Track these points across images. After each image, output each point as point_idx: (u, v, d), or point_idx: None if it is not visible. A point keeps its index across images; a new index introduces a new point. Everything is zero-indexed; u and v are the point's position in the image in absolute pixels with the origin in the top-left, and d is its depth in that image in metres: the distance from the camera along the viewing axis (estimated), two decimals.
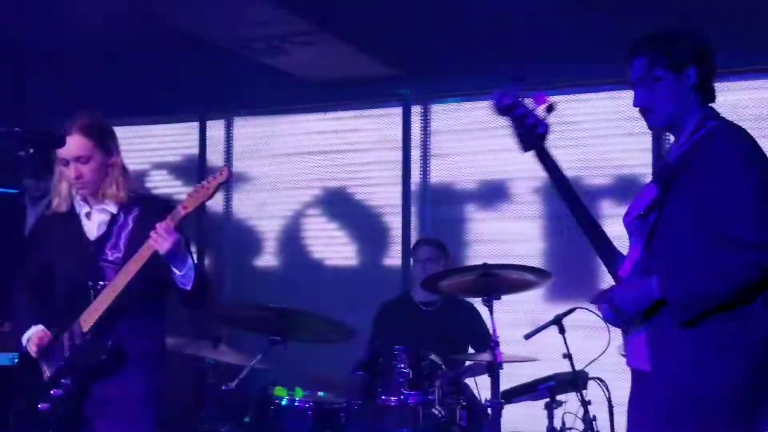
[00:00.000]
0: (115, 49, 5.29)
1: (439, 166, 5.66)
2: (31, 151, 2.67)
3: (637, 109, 2.44)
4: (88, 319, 2.85)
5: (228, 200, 6.23)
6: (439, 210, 5.65)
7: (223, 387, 4.33)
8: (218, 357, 4.46)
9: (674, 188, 2.29)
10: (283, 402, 4.16)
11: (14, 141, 2.66)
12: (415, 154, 5.69)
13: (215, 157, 6.28)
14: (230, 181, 2.90)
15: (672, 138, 2.49)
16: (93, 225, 3.00)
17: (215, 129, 6.29)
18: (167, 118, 6.18)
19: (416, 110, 5.72)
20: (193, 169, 6.21)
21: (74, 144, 2.89)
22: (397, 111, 5.73)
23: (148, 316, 2.98)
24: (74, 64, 5.47)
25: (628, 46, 2.44)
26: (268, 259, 6.11)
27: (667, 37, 2.40)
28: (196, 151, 6.30)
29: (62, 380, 2.85)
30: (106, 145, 2.97)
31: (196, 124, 6.31)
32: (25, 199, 4.83)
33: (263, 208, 6.13)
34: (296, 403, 4.15)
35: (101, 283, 2.84)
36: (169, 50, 5.35)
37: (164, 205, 2.98)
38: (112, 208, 3.00)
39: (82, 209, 3.02)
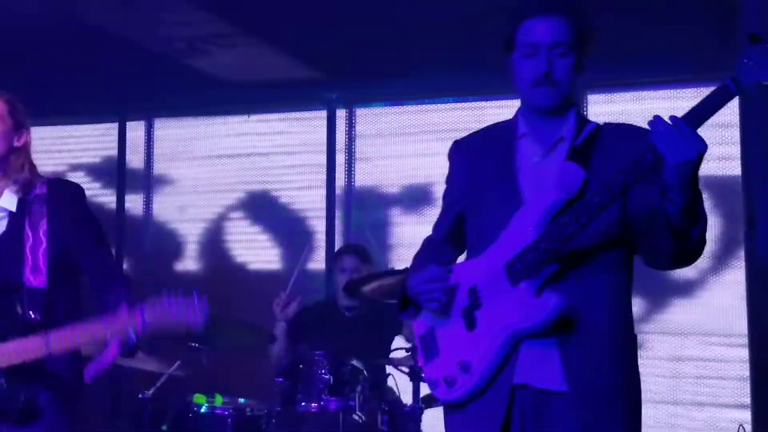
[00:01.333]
0: (34, 48, 5.13)
1: (363, 170, 5.66)
2: None
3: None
4: (6, 355, 2.56)
5: (148, 203, 6.11)
6: (363, 214, 5.65)
7: (140, 395, 4.25)
8: (135, 364, 4.35)
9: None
10: (203, 409, 4.09)
11: None
12: (340, 157, 5.67)
13: (135, 158, 6.16)
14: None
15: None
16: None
17: (135, 130, 6.16)
18: (86, 118, 6.04)
19: (341, 114, 5.71)
20: (112, 171, 6.08)
21: None
22: (322, 114, 5.71)
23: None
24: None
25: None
26: (189, 263, 6.01)
27: None
28: (115, 152, 6.17)
29: None
30: (19, 119, 2.78)
31: (115, 125, 6.17)
32: None
33: (184, 211, 6.03)
34: (216, 411, 4.09)
35: (30, 314, 2.59)
36: (88, 50, 5.21)
37: (72, 186, 2.84)
38: (11, 200, 2.74)
39: None
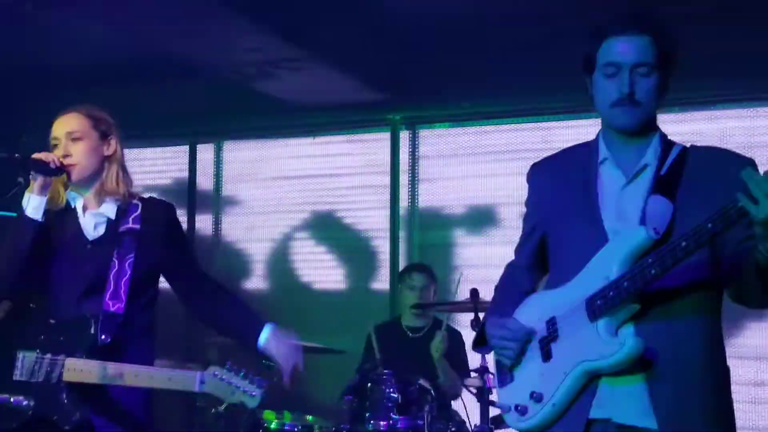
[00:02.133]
0: (109, 73, 5.32)
1: (427, 191, 5.72)
2: (30, 177, 2.68)
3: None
4: (72, 371, 2.64)
5: (217, 223, 6.26)
6: (427, 234, 5.70)
7: (213, 411, 4.35)
8: None
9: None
10: (273, 425, 4.17)
11: (14, 167, 2.66)
12: (404, 178, 5.74)
13: (205, 180, 6.31)
14: None
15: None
16: (90, 223, 2.79)
17: (205, 152, 6.32)
18: (159, 141, 6.20)
19: (404, 135, 5.78)
20: (184, 193, 6.23)
21: (68, 119, 2.77)
22: (386, 136, 5.79)
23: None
24: (69, 88, 5.49)
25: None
26: (256, 282, 6.13)
27: None
28: (186, 174, 6.33)
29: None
30: (103, 130, 2.80)
31: (186, 148, 6.34)
32: None
33: (252, 231, 6.16)
34: (285, 427, 4.16)
35: (102, 337, 2.67)
36: (161, 74, 5.39)
37: (164, 206, 2.92)
38: (110, 207, 2.80)
39: (78, 204, 2.81)
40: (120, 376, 2.63)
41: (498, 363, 2.37)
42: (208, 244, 6.21)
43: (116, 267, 2.73)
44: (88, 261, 2.75)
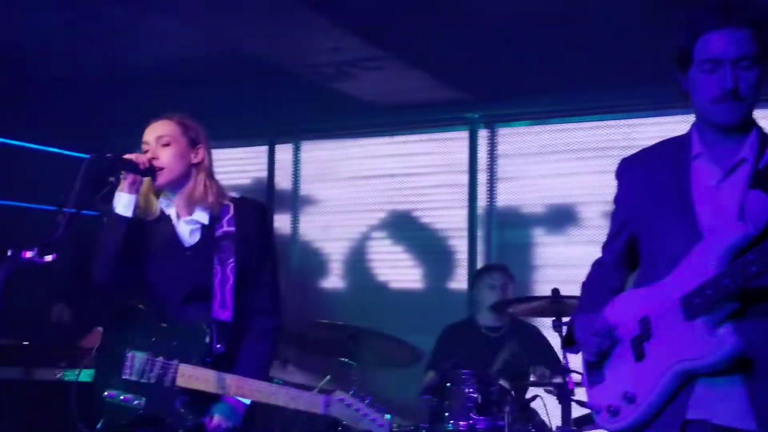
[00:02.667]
0: (190, 75, 5.43)
1: (505, 190, 5.66)
2: (121, 177, 2.74)
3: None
4: (187, 377, 2.69)
5: (295, 222, 6.31)
6: (505, 234, 5.64)
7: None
8: (286, 377, 4.49)
9: None
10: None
11: (106, 167, 2.72)
12: (482, 177, 5.69)
13: (283, 180, 6.37)
14: None
15: None
16: (186, 230, 2.84)
17: (284, 152, 6.39)
18: (238, 142, 6.26)
19: (483, 134, 5.73)
20: (262, 192, 6.30)
21: (159, 125, 2.84)
22: (464, 134, 5.75)
23: None
24: (152, 90, 5.62)
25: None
26: (333, 281, 6.16)
27: None
28: (265, 174, 6.41)
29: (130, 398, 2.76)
30: (192, 137, 2.85)
31: (265, 148, 6.42)
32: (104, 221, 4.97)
33: (329, 230, 6.19)
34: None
35: (217, 346, 2.71)
36: (241, 75, 5.47)
37: (256, 206, 2.94)
38: (203, 214, 2.84)
39: (171, 212, 2.86)
40: (239, 389, 2.65)
41: (587, 363, 2.31)
42: (285, 243, 6.26)
43: (219, 274, 2.76)
44: (187, 267, 2.80)
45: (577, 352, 2.38)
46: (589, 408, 2.35)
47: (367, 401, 2.61)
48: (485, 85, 5.39)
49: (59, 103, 5.71)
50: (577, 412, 3.91)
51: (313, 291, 6.16)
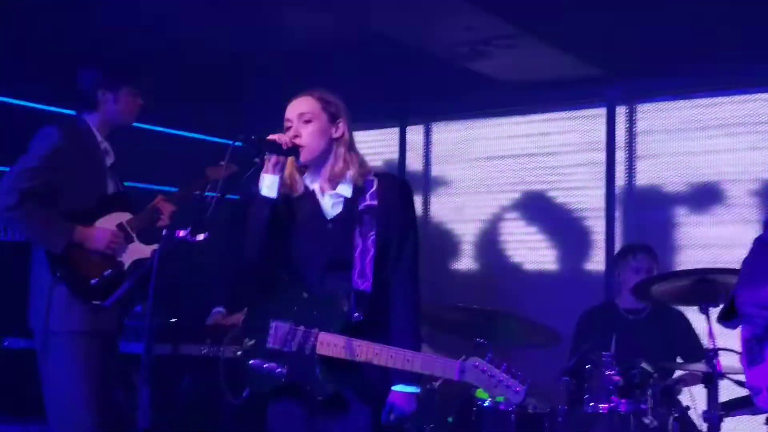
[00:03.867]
0: (321, 56, 5.49)
1: (645, 168, 5.46)
2: (265, 158, 2.81)
3: None
4: (326, 345, 2.74)
5: (426, 204, 6.32)
6: (644, 214, 5.44)
7: (427, 386, 4.40)
8: None
9: None
10: (486, 404, 4.16)
11: (251, 149, 2.80)
12: (620, 155, 5.51)
13: (414, 162, 6.38)
14: None
15: None
16: (328, 203, 2.89)
17: (415, 134, 6.40)
18: (370, 124, 6.31)
19: (621, 110, 5.55)
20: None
21: (300, 102, 2.88)
22: (602, 112, 5.58)
23: None
24: (285, 75, 5.73)
25: None
26: (466, 262, 6.13)
27: None
28: (396, 156, 6.44)
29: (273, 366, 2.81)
30: (333, 113, 2.87)
31: (396, 130, 6.44)
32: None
33: (461, 211, 6.17)
34: (500, 407, 4.14)
35: (356, 315, 2.75)
36: (371, 57, 5.50)
37: (401, 182, 2.97)
38: (346, 187, 2.88)
39: (315, 187, 2.91)
40: (376, 356, 2.68)
41: (747, 341, 2.22)
42: (417, 225, 6.26)
43: (360, 246, 2.80)
44: (329, 239, 2.85)
45: (735, 327, 2.28)
46: (749, 389, 2.26)
47: (503, 368, 2.59)
48: (624, 59, 5.20)
49: (196, 91, 5.92)
50: (725, 396, 3.77)
51: (446, 272, 6.15)
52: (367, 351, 2.69)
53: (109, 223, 3.64)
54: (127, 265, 3.66)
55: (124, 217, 3.68)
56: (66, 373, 3.53)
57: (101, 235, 3.58)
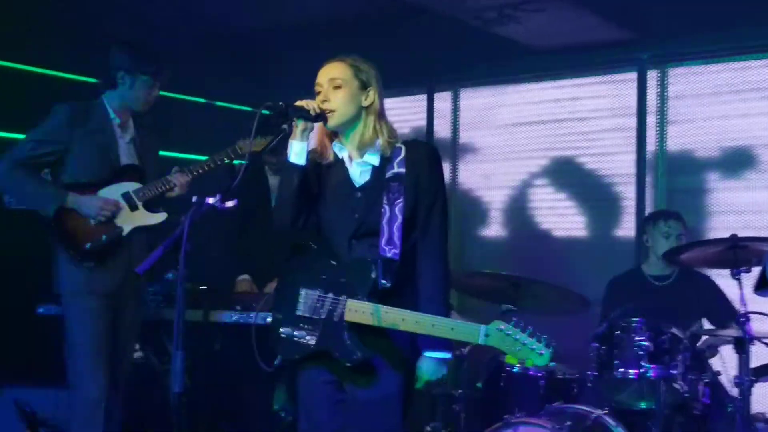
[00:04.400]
0: (348, 24, 5.46)
1: (677, 133, 5.37)
2: (293, 124, 2.81)
3: None
4: (354, 311, 2.76)
5: (454, 171, 6.29)
6: (675, 179, 5.38)
7: (456, 353, 4.41)
8: None
9: None
10: (515, 370, 4.17)
11: (279, 115, 2.80)
12: (651, 120, 5.43)
13: (442, 129, 6.35)
14: None
15: None
16: (357, 171, 2.89)
17: (442, 101, 6.35)
18: (397, 91, 6.27)
19: (652, 75, 5.46)
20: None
21: (332, 67, 2.86)
22: (632, 76, 5.49)
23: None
24: (309, 41, 5.70)
25: None
26: (495, 229, 6.12)
27: None
28: (423, 123, 6.40)
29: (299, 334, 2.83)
30: (363, 79, 2.85)
31: (424, 97, 6.40)
32: (265, 170, 5.15)
33: (489, 178, 6.14)
34: (529, 372, 4.15)
35: (383, 282, 2.75)
36: (399, 23, 5.45)
37: (429, 148, 2.96)
38: (374, 156, 2.88)
39: (344, 155, 2.91)
40: (401, 321, 2.70)
41: None
42: (446, 191, 6.24)
43: (387, 213, 2.80)
44: (357, 207, 2.86)
45: None
46: None
47: (528, 331, 2.59)
48: (655, 22, 5.12)
49: (224, 57, 5.91)
50: (756, 361, 3.74)
51: (474, 239, 6.15)
52: (394, 317, 2.70)
53: (112, 192, 3.84)
54: (126, 231, 3.85)
55: (132, 186, 3.87)
56: (68, 332, 3.82)
57: (91, 202, 3.79)
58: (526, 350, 2.58)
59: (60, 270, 3.87)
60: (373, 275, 2.75)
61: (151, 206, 3.92)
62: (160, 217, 3.90)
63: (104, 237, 3.80)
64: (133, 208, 3.87)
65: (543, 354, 2.58)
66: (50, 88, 5.16)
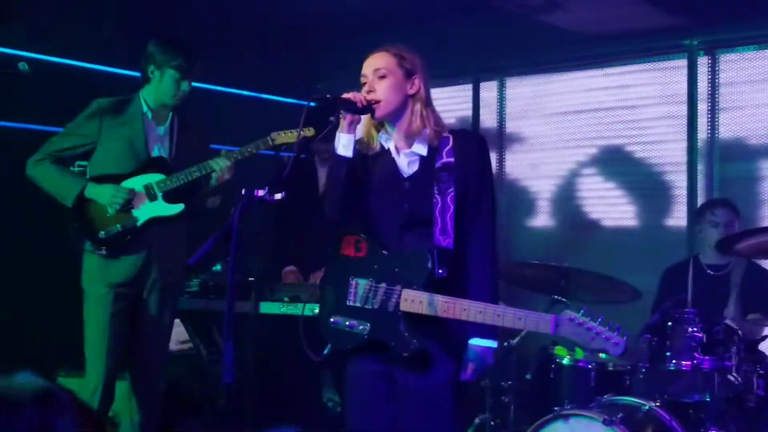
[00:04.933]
0: (393, 15, 5.45)
1: (728, 120, 5.26)
2: (340, 117, 2.81)
3: None
4: (410, 301, 2.74)
5: (501, 161, 6.25)
6: (728, 167, 5.27)
7: (505, 344, 4.39)
8: None
9: None
10: (565, 361, 4.13)
11: (326, 108, 2.80)
12: (702, 107, 5.32)
13: (488, 118, 6.31)
14: None
15: None
16: (404, 162, 2.88)
17: (488, 90, 6.31)
18: (443, 81, 6.24)
19: (703, 61, 5.35)
20: None
21: (376, 57, 2.86)
22: (682, 63, 5.39)
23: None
24: (354, 32, 5.70)
25: None
26: (543, 219, 6.06)
27: None
28: (469, 113, 6.36)
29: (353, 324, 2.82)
30: (408, 68, 2.84)
31: (469, 86, 6.36)
32: (315, 160, 5.17)
33: (536, 168, 6.08)
34: (579, 363, 4.10)
35: (439, 271, 2.73)
36: (444, 12, 5.43)
37: (477, 137, 2.96)
38: (421, 146, 2.86)
39: (391, 146, 2.90)
40: (463, 312, 2.67)
41: None
42: (494, 180, 6.20)
43: (440, 203, 2.79)
44: (405, 197, 2.84)
45: None
46: None
47: (599, 320, 2.54)
48: (705, 7, 5.02)
49: (269, 51, 5.94)
50: None
51: (521, 230, 6.10)
52: (454, 307, 2.67)
53: (135, 182, 3.89)
54: (141, 221, 3.89)
55: (155, 178, 3.91)
56: (84, 320, 3.89)
57: (104, 191, 3.86)
58: (599, 340, 2.51)
59: (82, 258, 3.95)
60: (429, 265, 2.74)
61: (173, 198, 3.93)
62: (176, 209, 3.91)
63: (119, 226, 3.85)
64: (152, 198, 3.90)
65: (618, 344, 2.51)
66: (97, 83, 5.23)
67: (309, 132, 3.54)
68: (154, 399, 3.98)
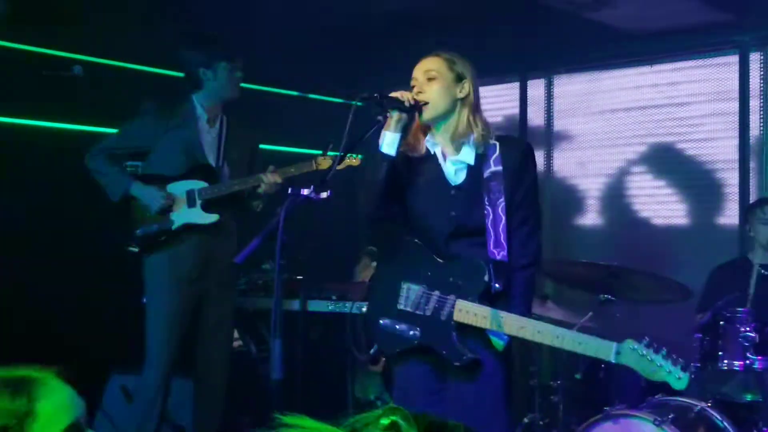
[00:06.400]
0: (440, 13, 5.44)
1: None
2: (387, 115, 2.82)
3: None
4: (464, 312, 2.74)
5: (549, 159, 6.20)
6: None
7: None
8: (545, 314, 4.48)
9: None
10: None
11: (374, 106, 2.82)
12: (754, 104, 5.23)
13: (536, 116, 6.27)
14: None
15: None
16: (451, 169, 2.88)
17: (536, 88, 6.27)
18: (490, 79, 6.21)
19: (755, 57, 5.26)
20: (514, 129, 6.23)
21: (427, 61, 2.89)
22: (734, 59, 5.30)
23: None
24: (402, 32, 5.71)
25: None
26: (592, 217, 6.01)
27: None
28: (516, 111, 6.33)
29: (405, 329, 2.83)
30: (458, 72, 2.86)
31: (517, 84, 6.33)
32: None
33: (585, 166, 6.03)
34: None
35: (495, 285, 2.73)
36: (492, 9, 5.39)
37: (523, 144, 2.96)
38: (469, 154, 2.87)
39: (437, 151, 2.90)
40: (521, 329, 2.65)
41: None
42: (540, 181, 6.13)
43: (491, 215, 2.78)
44: (452, 206, 2.84)
45: None
46: None
47: (662, 352, 2.50)
48: (756, 3, 4.92)
49: (315, 52, 5.97)
50: None
51: (570, 228, 6.05)
52: (512, 324, 2.65)
53: (179, 187, 4.01)
54: (176, 225, 3.99)
55: (198, 185, 4.01)
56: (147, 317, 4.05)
57: (145, 192, 4.01)
58: (662, 372, 2.48)
59: (141, 258, 4.09)
60: (486, 278, 2.73)
61: (207, 206, 4.03)
62: (211, 218, 4.02)
63: (155, 226, 3.99)
64: (191, 204, 4.01)
65: (681, 378, 2.48)
66: (149, 86, 5.31)
67: (355, 161, 3.56)
68: (216, 398, 4.07)
